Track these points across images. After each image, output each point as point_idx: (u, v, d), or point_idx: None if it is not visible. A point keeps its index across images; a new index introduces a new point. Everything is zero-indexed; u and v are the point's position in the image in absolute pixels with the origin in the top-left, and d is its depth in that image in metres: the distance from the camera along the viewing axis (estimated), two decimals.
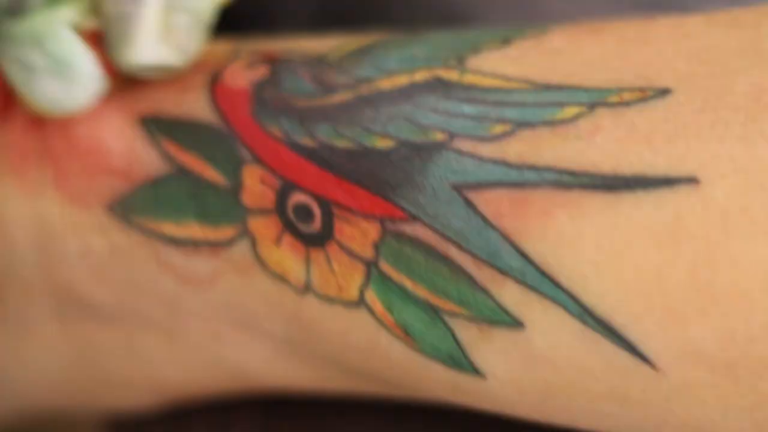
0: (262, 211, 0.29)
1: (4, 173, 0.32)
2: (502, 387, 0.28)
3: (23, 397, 0.35)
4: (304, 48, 0.31)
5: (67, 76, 0.31)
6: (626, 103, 0.26)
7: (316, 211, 0.29)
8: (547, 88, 0.27)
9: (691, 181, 0.25)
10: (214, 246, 0.30)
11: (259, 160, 0.29)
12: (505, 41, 0.29)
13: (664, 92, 0.26)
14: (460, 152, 0.27)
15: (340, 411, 0.34)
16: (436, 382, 0.29)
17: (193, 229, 0.30)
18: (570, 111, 0.27)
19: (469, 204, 0.27)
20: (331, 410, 0.34)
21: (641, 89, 0.26)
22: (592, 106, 0.26)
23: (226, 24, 0.33)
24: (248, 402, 0.35)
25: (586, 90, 0.27)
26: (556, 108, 0.27)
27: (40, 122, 0.32)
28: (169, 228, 0.31)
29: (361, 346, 0.29)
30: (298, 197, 0.29)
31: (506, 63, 0.28)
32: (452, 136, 0.27)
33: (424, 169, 0.27)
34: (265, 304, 0.30)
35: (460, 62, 0.28)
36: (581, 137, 0.26)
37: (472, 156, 0.27)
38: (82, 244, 0.32)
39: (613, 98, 0.26)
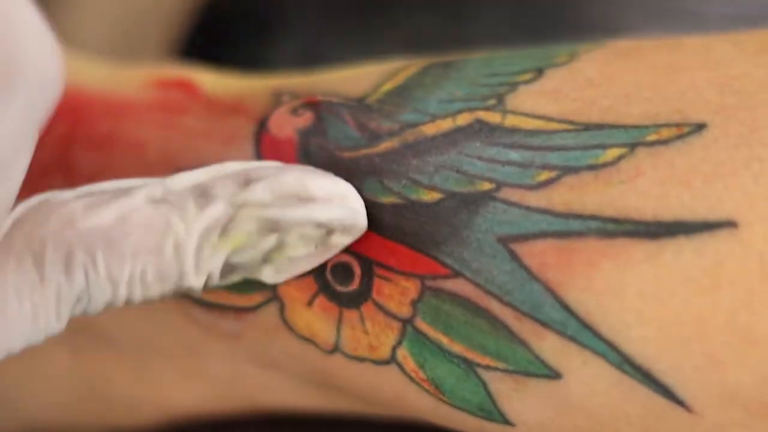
0: (297, 275, 0.29)
1: None
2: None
3: (32, 418, 0.35)
4: (339, 87, 0.31)
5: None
6: (664, 142, 0.27)
7: (357, 270, 0.28)
8: (587, 128, 0.27)
9: (730, 225, 0.26)
10: (240, 311, 0.30)
11: None
12: (539, 72, 0.29)
13: (700, 127, 0.27)
14: (506, 202, 0.27)
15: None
16: (463, 426, 0.29)
17: (220, 296, 0.30)
18: (612, 153, 0.27)
19: (514, 257, 0.27)
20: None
21: (678, 125, 0.27)
22: (632, 147, 0.27)
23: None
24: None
25: (626, 129, 0.27)
26: (599, 151, 0.27)
27: (68, 165, 0.32)
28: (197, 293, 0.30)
29: (388, 399, 0.29)
30: (339, 257, 0.29)
31: (544, 100, 0.28)
32: (499, 185, 0.27)
33: (470, 222, 0.27)
34: (290, 360, 0.30)
35: (499, 101, 0.28)
36: (623, 181, 0.27)
37: (519, 206, 0.27)
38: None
39: (652, 137, 0.27)
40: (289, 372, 0.31)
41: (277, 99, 0.31)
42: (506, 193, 0.27)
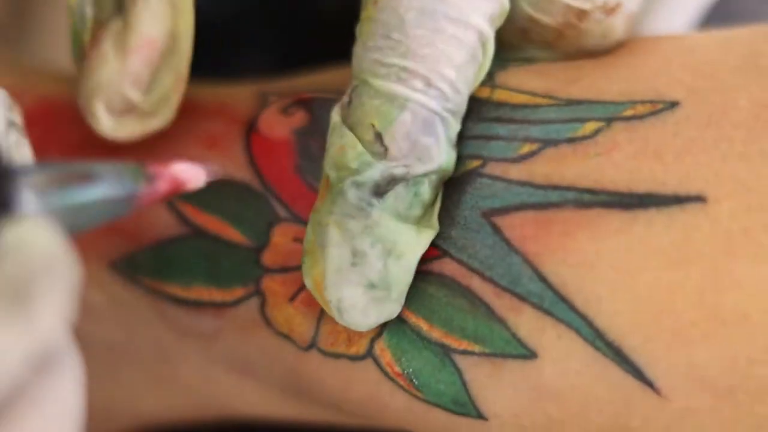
0: (283, 270, 0.29)
1: None
2: (502, 427, 0.28)
3: None
4: (326, 83, 0.31)
5: (380, 300, 0.28)
6: (640, 117, 0.28)
7: None
8: (569, 103, 0.28)
9: (699, 199, 0.26)
10: (219, 307, 0.30)
11: (296, 217, 0.30)
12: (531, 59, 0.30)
13: (673, 105, 0.28)
14: (491, 177, 0.28)
15: None
16: (433, 427, 0.29)
17: (200, 291, 0.31)
18: (590, 127, 0.28)
19: (496, 230, 0.27)
20: None
21: (652, 102, 0.28)
22: (609, 121, 0.28)
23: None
24: None
25: (604, 104, 0.28)
26: (578, 124, 0.28)
27: None
28: (176, 290, 0.31)
29: (360, 399, 0.29)
30: None
31: (531, 76, 0.29)
32: (485, 161, 0.28)
33: (459, 201, 0.28)
34: (265, 358, 0.30)
35: (490, 77, 0.29)
36: (600, 153, 0.27)
37: (502, 179, 0.28)
38: (85, 296, 0.32)
39: (628, 112, 0.28)
40: (261, 376, 0.31)
41: (263, 99, 0.31)
42: (491, 168, 0.28)
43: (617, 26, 0.29)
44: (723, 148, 0.27)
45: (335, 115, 0.28)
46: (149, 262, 0.31)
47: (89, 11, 0.29)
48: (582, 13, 0.29)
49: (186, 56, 0.29)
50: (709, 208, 0.26)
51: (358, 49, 0.27)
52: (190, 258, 0.31)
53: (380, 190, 0.27)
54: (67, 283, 0.21)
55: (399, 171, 0.27)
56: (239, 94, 0.32)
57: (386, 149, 0.27)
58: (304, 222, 0.30)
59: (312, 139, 0.30)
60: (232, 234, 0.30)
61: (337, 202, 0.27)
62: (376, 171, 0.27)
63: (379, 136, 0.27)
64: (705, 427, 0.26)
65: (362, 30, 0.27)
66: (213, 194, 0.30)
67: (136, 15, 0.28)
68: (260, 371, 0.31)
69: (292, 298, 0.29)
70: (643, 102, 0.28)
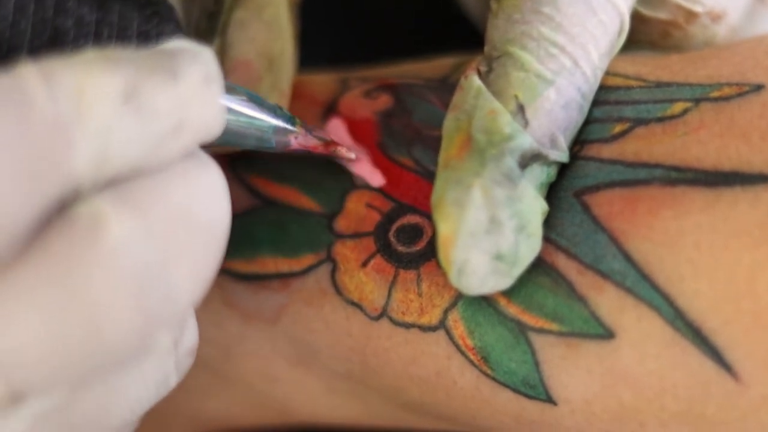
0: (355, 235, 0.29)
1: None
2: (572, 414, 0.28)
3: None
4: (411, 71, 0.31)
5: (502, 272, 0.27)
6: (726, 98, 0.28)
7: (428, 231, 0.29)
8: (658, 85, 0.29)
9: None
10: (286, 277, 0.30)
11: (370, 186, 0.30)
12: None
13: (758, 87, 0.28)
14: (586, 158, 0.28)
15: None
16: (499, 414, 0.29)
17: (266, 263, 0.31)
18: (678, 107, 0.28)
19: (585, 208, 0.28)
20: None
21: (738, 84, 0.28)
22: (697, 102, 0.28)
23: None
24: None
25: (691, 86, 0.29)
26: (667, 104, 0.28)
27: None
28: (239, 265, 0.31)
29: (425, 377, 0.29)
30: (409, 218, 0.29)
31: (623, 63, 0.30)
32: (582, 144, 0.28)
33: (556, 185, 0.28)
34: (330, 335, 0.30)
35: None
36: (688, 132, 0.28)
37: (595, 159, 0.28)
38: None
39: (715, 93, 0.28)
40: (324, 363, 0.31)
41: (344, 84, 0.32)
42: (587, 150, 0.28)
43: (719, 35, 0.30)
44: None
45: (476, 80, 0.27)
46: None
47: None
48: (690, 15, 0.29)
49: (287, 75, 0.30)
50: None
51: (500, 22, 0.28)
52: (257, 228, 0.31)
53: (522, 163, 0.27)
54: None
55: (541, 148, 0.27)
56: (318, 79, 0.32)
57: (527, 123, 0.27)
58: (380, 189, 0.30)
59: (394, 119, 0.30)
60: (305, 201, 0.30)
61: (488, 166, 0.27)
62: (527, 141, 0.27)
63: (521, 109, 0.27)
64: None
65: (505, 3, 0.27)
66: (289, 166, 0.31)
67: (231, 38, 0.29)
68: (324, 355, 0.31)
69: (364, 264, 0.30)
70: (729, 84, 0.28)
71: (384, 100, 0.31)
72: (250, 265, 0.31)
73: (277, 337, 0.31)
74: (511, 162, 0.27)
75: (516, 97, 0.27)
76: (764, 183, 0.26)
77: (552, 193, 0.28)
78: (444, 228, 0.26)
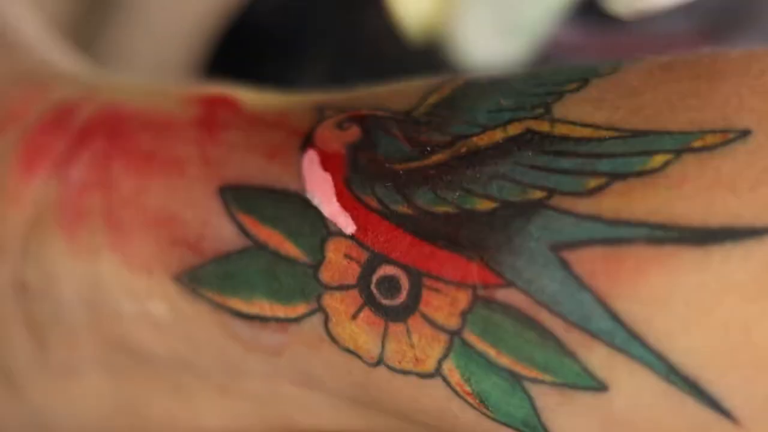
0: (341, 287, 0.29)
1: (53, 228, 0.32)
2: None
3: None
4: (382, 99, 0.31)
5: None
6: (710, 148, 0.27)
7: (405, 283, 0.28)
8: (634, 135, 0.28)
9: None
10: (283, 322, 0.30)
11: (346, 233, 0.29)
12: (584, 81, 0.29)
13: (744, 134, 0.27)
14: (558, 210, 0.27)
15: None
16: None
17: (263, 306, 0.30)
18: (658, 160, 0.27)
19: (565, 265, 0.27)
20: None
21: (723, 131, 0.27)
22: (678, 153, 0.27)
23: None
24: None
25: (671, 135, 0.27)
26: (646, 157, 0.27)
27: (108, 183, 0.32)
28: (238, 304, 0.30)
29: (431, 411, 0.29)
30: (385, 270, 0.28)
31: (590, 108, 0.28)
32: (551, 193, 0.27)
33: (524, 230, 0.27)
34: (333, 373, 0.30)
35: (547, 111, 0.29)
36: (670, 187, 0.27)
37: (570, 213, 0.27)
38: (140, 307, 0.31)
39: (698, 143, 0.27)
40: (329, 389, 0.31)
41: (320, 113, 0.31)
42: (558, 201, 0.27)
43: None
44: None
45: None
46: (211, 276, 0.31)
47: None
48: None
49: None
50: None
51: None
52: (251, 272, 0.30)
53: None
54: None
55: None
56: (297, 106, 0.32)
57: None
58: (354, 237, 0.29)
59: (361, 152, 0.30)
60: (291, 249, 0.30)
61: None
62: None
63: None
64: None
65: None
66: (271, 206, 0.30)
67: None
68: (328, 384, 0.31)
69: (354, 317, 0.29)
70: (713, 132, 0.27)
71: (353, 132, 0.30)
72: (249, 307, 0.30)
73: (281, 366, 0.31)
74: None
75: None
76: (755, 237, 0.26)
77: (519, 239, 0.27)
78: None
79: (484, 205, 0.28)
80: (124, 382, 0.33)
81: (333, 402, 0.31)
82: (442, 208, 0.28)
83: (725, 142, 0.27)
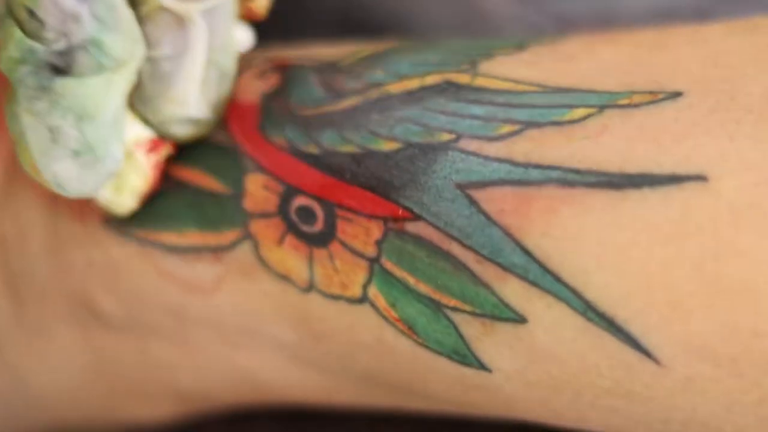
0: (264, 215, 0.30)
1: (23, 181, 0.32)
2: (508, 381, 0.28)
3: (41, 408, 0.35)
4: (319, 54, 0.31)
5: (90, 164, 0.29)
6: (636, 105, 0.26)
7: (319, 213, 0.29)
8: (558, 90, 0.27)
9: (699, 178, 0.25)
10: (216, 251, 0.31)
11: (262, 169, 0.30)
12: (520, 47, 0.29)
13: (675, 95, 0.26)
14: (465, 152, 0.27)
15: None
16: (444, 381, 0.29)
17: (194, 237, 0.31)
18: (579, 112, 0.27)
19: (473, 202, 0.27)
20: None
21: (652, 92, 0.27)
22: (601, 108, 0.27)
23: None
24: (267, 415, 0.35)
25: (597, 93, 0.27)
26: (565, 109, 0.27)
27: None
28: (170, 237, 0.31)
29: (368, 343, 0.29)
30: (300, 200, 0.29)
31: (519, 67, 0.28)
32: (459, 136, 0.27)
33: (428, 169, 0.27)
34: (270, 305, 0.30)
35: (472, 66, 0.29)
36: (588, 137, 0.26)
37: (477, 155, 0.27)
38: (85, 255, 0.32)
39: (623, 101, 0.27)
40: (275, 335, 0.31)
41: (248, 63, 0.31)
42: (465, 143, 0.27)
43: None
44: (730, 129, 0.25)
45: (1, 7, 0.29)
46: (139, 215, 0.31)
47: None
48: None
49: None
50: (712, 186, 0.25)
51: None
52: (178, 207, 0.31)
53: (62, 66, 0.28)
54: None
55: (60, 46, 0.28)
56: (246, 56, 0.32)
57: (42, 23, 0.28)
58: (269, 173, 0.30)
59: (275, 100, 0.30)
60: (213, 184, 0.30)
61: (19, 91, 0.28)
62: (41, 54, 0.28)
63: (32, 13, 0.28)
64: (709, 396, 0.26)
65: None
66: (194, 151, 0.31)
67: None
68: (269, 320, 0.31)
69: (280, 242, 0.29)
70: (641, 92, 0.27)
71: (272, 81, 0.31)
72: (181, 238, 0.31)
73: (221, 307, 0.31)
74: (38, 77, 0.28)
75: (24, 5, 0.28)
76: (676, 183, 0.25)
77: (424, 177, 0.28)
78: (25, 158, 0.29)
79: (389, 146, 0.28)
80: (94, 341, 0.33)
81: (283, 355, 0.31)
82: (347, 148, 0.28)
83: (653, 102, 0.26)
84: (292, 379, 0.32)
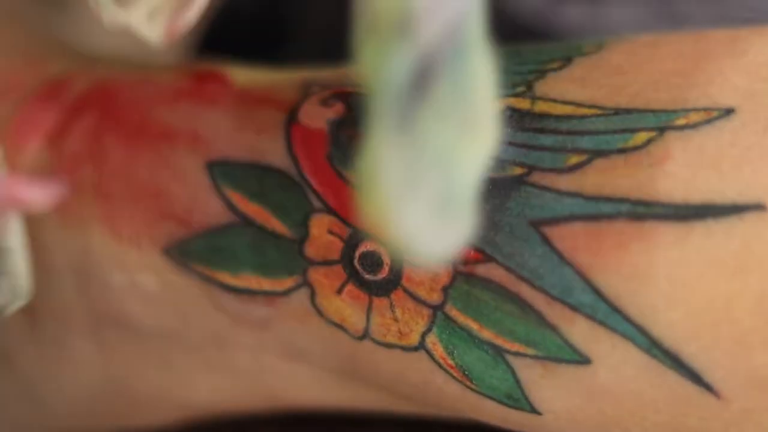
0: (326, 262, 0.29)
1: None
2: (557, 420, 0.28)
3: (51, 417, 0.35)
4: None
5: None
6: (693, 126, 0.27)
7: (386, 259, 0.28)
8: (617, 112, 0.28)
9: (758, 208, 0.26)
10: (271, 295, 0.30)
11: (329, 209, 0.29)
12: (567, 60, 0.29)
13: (728, 112, 0.27)
14: (538, 186, 0.27)
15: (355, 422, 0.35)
16: (487, 415, 0.29)
17: (250, 281, 0.30)
18: (641, 137, 0.27)
19: (546, 241, 0.27)
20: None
21: (706, 110, 0.27)
22: (661, 131, 0.27)
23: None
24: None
25: (654, 113, 0.27)
26: (628, 134, 0.27)
27: (99, 156, 0.32)
28: (225, 277, 0.31)
29: (416, 383, 0.30)
30: (367, 245, 0.29)
31: (572, 86, 0.28)
32: (530, 169, 0.27)
33: (502, 206, 0.27)
34: (320, 346, 0.31)
35: (528, 89, 0.29)
36: (653, 165, 0.27)
37: (550, 190, 0.27)
38: (129, 279, 0.32)
39: (681, 121, 0.27)
40: (315, 362, 0.31)
41: (306, 90, 0.31)
42: (537, 177, 0.27)
43: None
44: None
45: None
46: (200, 249, 0.31)
47: None
48: None
49: None
50: None
51: None
52: (238, 247, 0.30)
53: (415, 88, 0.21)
54: None
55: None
56: (285, 83, 0.32)
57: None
58: (336, 213, 0.29)
59: (343, 129, 0.30)
60: (276, 225, 0.30)
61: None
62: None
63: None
64: (765, 426, 0.26)
65: None
66: (257, 182, 0.30)
67: None
68: (315, 357, 0.31)
69: (339, 291, 0.29)
70: (696, 110, 0.27)
71: (337, 109, 0.30)
72: (236, 280, 0.31)
73: (268, 339, 0.31)
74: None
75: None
76: (737, 213, 0.26)
77: (499, 215, 0.27)
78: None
79: None
80: (113, 354, 0.33)
81: (319, 375, 0.32)
82: None
83: (709, 120, 0.27)
84: (324, 396, 0.32)
